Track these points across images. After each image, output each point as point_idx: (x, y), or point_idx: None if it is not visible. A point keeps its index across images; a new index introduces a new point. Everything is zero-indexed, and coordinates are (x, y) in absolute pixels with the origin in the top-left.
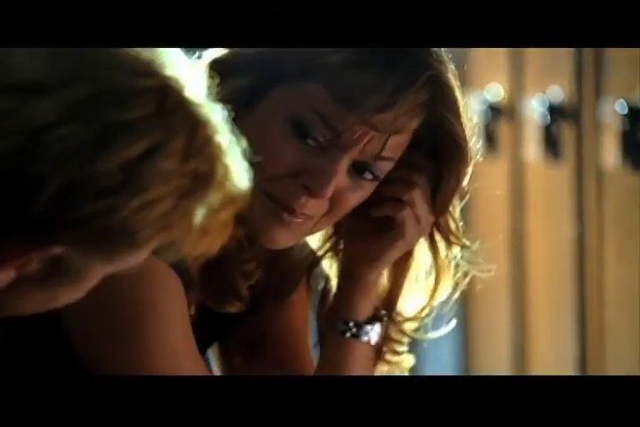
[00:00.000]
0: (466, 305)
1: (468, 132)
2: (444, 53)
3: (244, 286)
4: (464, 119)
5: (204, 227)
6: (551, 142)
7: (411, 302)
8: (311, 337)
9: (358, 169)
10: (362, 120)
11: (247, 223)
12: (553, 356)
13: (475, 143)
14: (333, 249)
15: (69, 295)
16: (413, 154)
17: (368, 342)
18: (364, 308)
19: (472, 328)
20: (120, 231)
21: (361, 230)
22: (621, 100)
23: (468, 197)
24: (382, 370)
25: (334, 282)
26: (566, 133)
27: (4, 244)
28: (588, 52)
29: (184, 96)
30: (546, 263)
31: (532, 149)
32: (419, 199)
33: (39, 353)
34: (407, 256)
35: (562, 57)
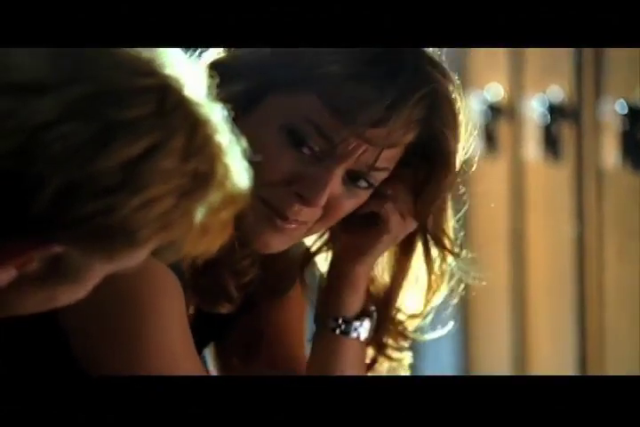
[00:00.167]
0: (466, 305)
1: (464, 143)
2: (446, 67)
3: (234, 288)
4: (461, 131)
5: (205, 226)
6: (551, 142)
7: (411, 301)
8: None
9: (353, 178)
10: (356, 134)
11: (240, 227)
12: (553, 356)
13: (470, 153)
14: (327, 245)
15: (70, 295)
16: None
17: (357, 339)
18: (353, 304)
19: (472, 328)
20: (120, 230)
21: (348, 227)
22: (621, 100)
23: (466, 207)
24: (384, 366)
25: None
26: (566, 133)
27: (5, 243)
28: (587, 52)
29: (184, 95)
30: (546, 263)
31: (532, 148)
32: (401, 194)
33: (37, 353)
34: (407, 256)
35: (562, 57)
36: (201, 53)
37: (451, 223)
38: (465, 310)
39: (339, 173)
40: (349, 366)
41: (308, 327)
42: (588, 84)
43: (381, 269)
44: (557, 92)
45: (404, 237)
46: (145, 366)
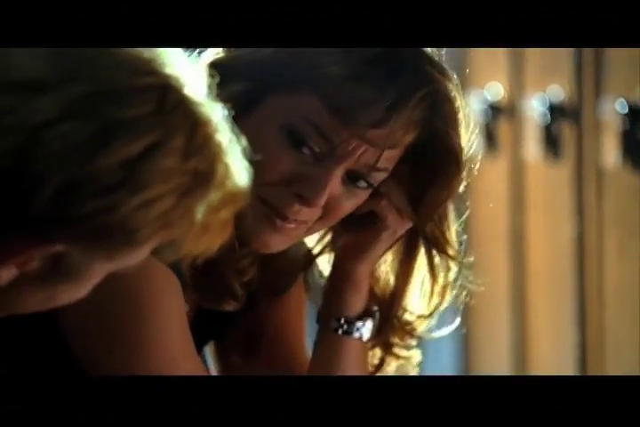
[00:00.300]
0: (466, 305)
1: (465, 142)
2: (445, 65)
3: (238, 285)
4: (462, 129)
5: (205, 225)
6: (551, 141)
7: (417, 303)
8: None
9: (352, 178)
10: (356, 134)
11: (240, 227)
12: (553, 356)
13: (472, 151)
14: (330, 246)
15: (70, 294)
16: None
17: (360, 339)
18: (356, 304)
19: (472, 328)
20: (120, 230)
21: (348, 227)
22: (621, 100)
23: (466, 207)
24: (392, 366)
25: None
26: (566, 133)
27: (5, 242)
28: (587, 52)
29: (184, 94)
30: (546, 263)
31: (532, 148)
32: (396, 191)
33: (37, 353)
34: (410, 259)
35: (562, 56)
36: (201, 53)
37: (453, 228)
38: (465, 310)
39: (338, 173)
40: (352, 367)
41: (307, 327)
42: (588, 84)
43: (386, 271)
44: (557, 91)
45: (406, 241)
46: (145, 365)
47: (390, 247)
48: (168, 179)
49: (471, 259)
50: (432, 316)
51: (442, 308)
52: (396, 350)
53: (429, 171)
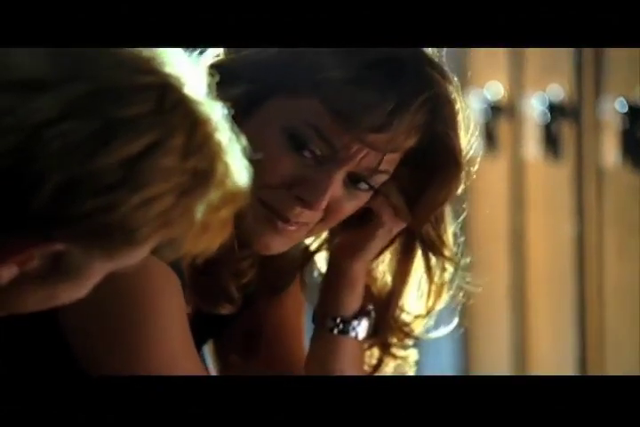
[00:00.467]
0: (463, 305)
1: (465, 144)
2: (445, 67)
3: (235, 288)
4: (462, 131)
5: (205, 224)
6: (551, 141)
7: (414, 304)
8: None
9: (354, 180)
10: (358, 138)
11: (241, 228)
12: (553, 356)
13: (472, 153)
14: (327, 244)
15: (70, 293)
16: None
17: (356, 338)
18: (351, 303)
19: (472, 328)
20: (120, 228)
21: (344, 225)
22: (621, 99)
23: (465, 207)
24: (390, 366)
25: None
26: (566, 132)
27: (5, 241)
28: (587, 52)
29: (184, 94)
30: (546, 262)
31: (532, 147)
32: (392, 188)
33: (37, 352)
34: (407, 260)
35: (562, 56)
36: (201, 53)
37: (450, 230)
38: (463, 311)
39: (339, 176)
40: (348, 366)
41: (307, 326)
42: (588, 83)
43: (383, 271)
44: (557, 90)
45: (403, 241)
46: (145, 365)
47: (387, 247)
48: (168, 178)
49: (468, 260)
50: (429, 316)
51: (438, 308)
52: (394, 350)
53: (428, 172)
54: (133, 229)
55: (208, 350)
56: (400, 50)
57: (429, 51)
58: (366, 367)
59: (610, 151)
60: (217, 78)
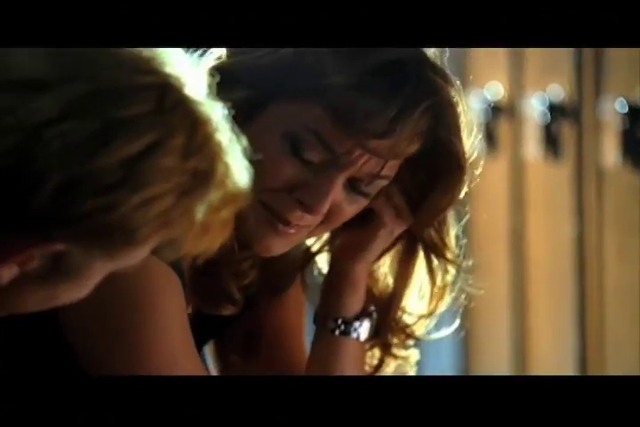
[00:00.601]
0: (465, 307)
1: (468, 147)
2: (447, 71)
3: (236, 289)
4: (465, 135)
5: (205, 225)
6: (551, 141)
7: (415, 305)
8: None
9: (354, 184)
10: (360, 144)
11: (241, 230)
12: (553, 356)
13: (475, 156)
14: (328, 245)
15: (70, 293)
16: None
17: (357, 339)
18: (353, 304)
19: (472, 328)
20: (120, 229)
21: (345, 226)
22: (621, 99)
23: (466, 208)
24: (391, 366)
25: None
26: (566, 132)
27: (5, 241)
28: (588, 52)
29: (184, 94)
30: (546, 262)
31: (532, 147)
32: (394, 189)
33: (37, 352)
34: (409, 262)
35: (562, 56)
36: (202, 54)
37: (452, 233)
38: (464, 312)
39: (340, 181)
40: (349, 367)
41: (307, 327)
42: (588, 83)
43: (384, 272)
44: (557, 90)
45: (405, 243)
46: (145, 364)
47: (389, 249)
48: (168, 178)
49: (470, 263)
50: (430, 317)
51: (440, 310)
52: (395, 351)
53: (431, 177)
54: (133, 229)
55: (208, 350)
56: (402, 54)
57: (432, 54)
58: (367, 368)
59: (610, 151)
60: (218, 81)
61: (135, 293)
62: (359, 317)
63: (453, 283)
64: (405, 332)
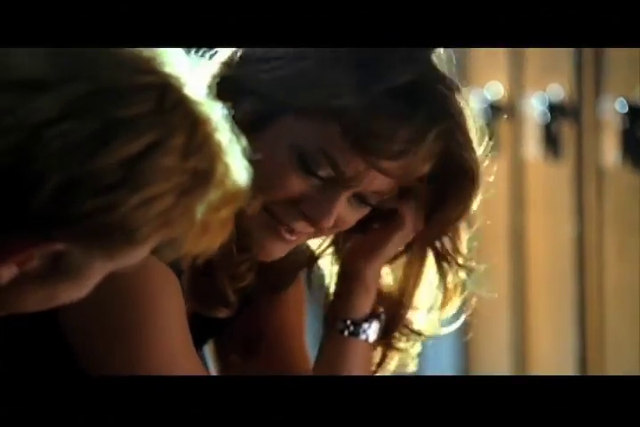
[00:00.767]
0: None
1: (479, 159)
2: (456, 81)
3: (232, 292)
4: (476, 145)
5: (205, 224)
6: (551, 141)
7: (424, 306)
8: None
9: (360, 198)
10: (373, 165)
11: (240, 232)
12: (553, 356)
13: (485, 164)
14: (334, 246)
15: (70, 293)
16: None
17: (366, 340)
18: (363, 306)
19: (472, 328)
20: (120, 228)
21: (358, 225)
22: (621, 99)
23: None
24: (394, 359)
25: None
26: (566, 132)
27: (5, 240)
28: (588, 52)
29: (184, 94)
30: (546, 262)
31: (532, 147)
32: (421, 192)
33: (37, 352)
34: (422, 262)
35: (562, 56)
36: (203, 54)
37: (464, 238)
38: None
39: (345, 198)
40: (356, 368)
41: (308, 327)
42: (588, 83)
43: (395, 275)
44: (557, 90)
45: (417, 248)
46: (145, 364)
47: (402, 254)
48: (168, 178)
49: (481, 267)
50: (439, 319)
51: (450, 312)
52: (396, 344)
53: (443, 190)
54: (133, 228)
55: (208, 350)
56: (417, 75)
57: (446, 71)
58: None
59: (610, 151)
60: (228, 95)
61: (135, 293)
62: (368, 318)
63: (463, 286)
64: (413, 331)
